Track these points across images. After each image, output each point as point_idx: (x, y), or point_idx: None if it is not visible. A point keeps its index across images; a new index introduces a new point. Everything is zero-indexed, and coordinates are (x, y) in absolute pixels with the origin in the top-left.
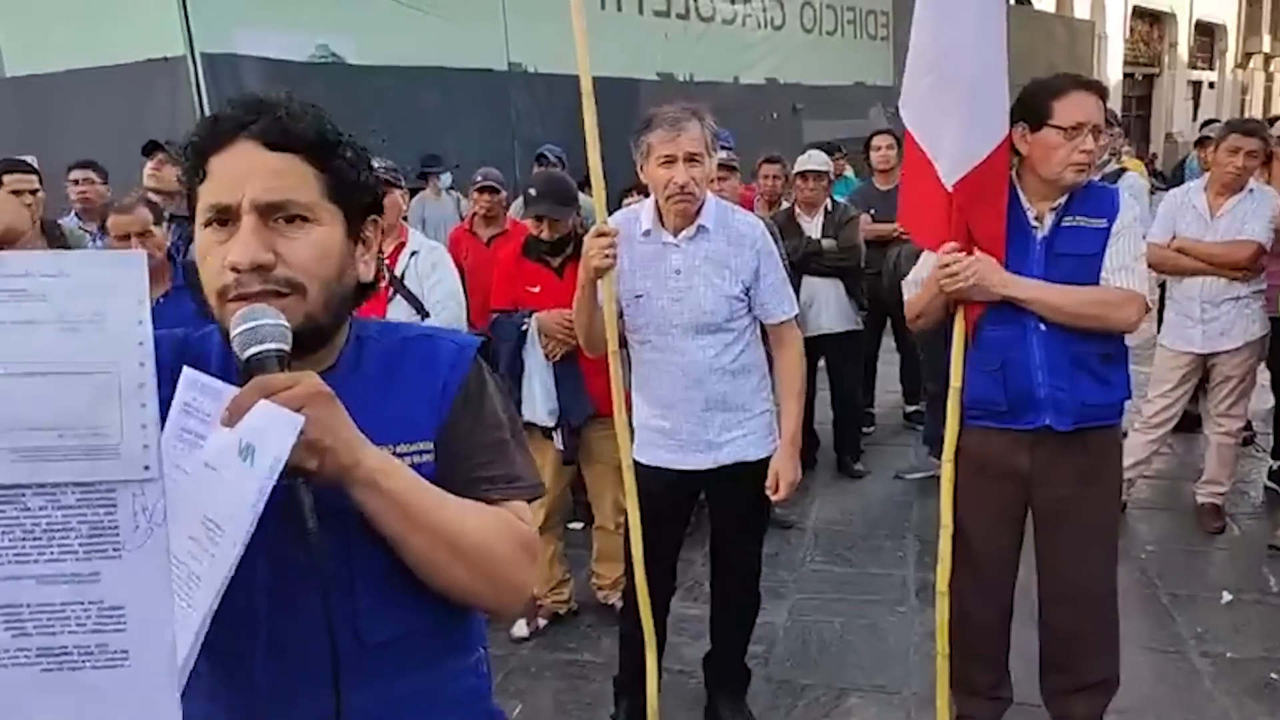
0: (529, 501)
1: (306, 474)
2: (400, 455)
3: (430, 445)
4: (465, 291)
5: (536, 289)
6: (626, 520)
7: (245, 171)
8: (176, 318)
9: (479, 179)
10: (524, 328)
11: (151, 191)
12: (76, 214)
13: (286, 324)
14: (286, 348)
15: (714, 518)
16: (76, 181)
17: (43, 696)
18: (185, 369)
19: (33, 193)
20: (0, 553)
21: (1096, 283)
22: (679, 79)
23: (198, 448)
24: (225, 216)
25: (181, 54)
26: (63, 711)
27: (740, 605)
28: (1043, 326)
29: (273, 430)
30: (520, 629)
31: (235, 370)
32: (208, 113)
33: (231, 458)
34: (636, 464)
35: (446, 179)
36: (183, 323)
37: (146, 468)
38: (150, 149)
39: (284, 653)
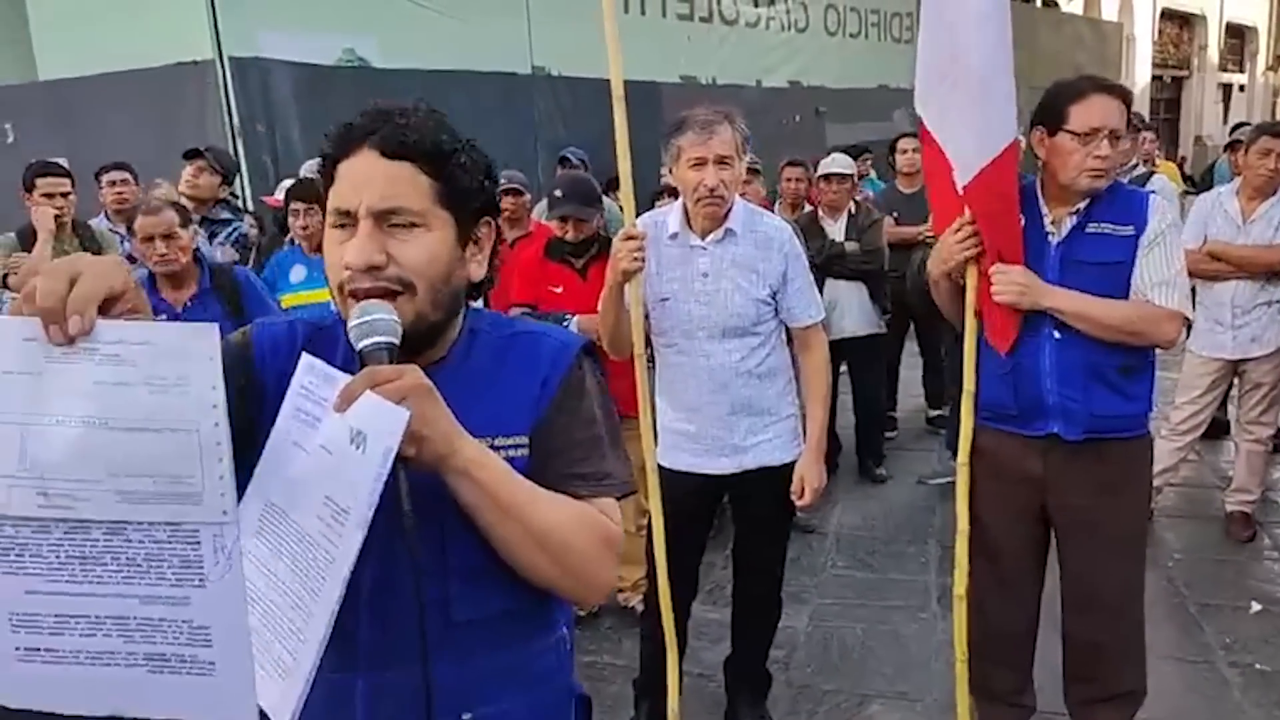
0: (619, 499)
1: (404, 460)
2: (497, 448)
3: (525, 440)
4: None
5: (559, 289)
6: (649, 523)
7: (364, 178)
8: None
9: (502, 181)
10: (565, 324)
11: (187, 198)
12: (107, 215)
13: (398, 319)
14: (396, 341)
15: (737, 522)
16: (114, 183)
17: (153, 691)
18: (304, 354)
19: (65, 195)
20: (111, 574)
21: (1122, 292)
22: (702, 82)
23: (313, 428)
24: (346, 220)
25: (210, 58)
26: (170, 702)
27: (762, 610)
28: (1057, 334)
29: (382, 421)
30: None
31: (355, 358)
32: (235, 115)
33: (344, 443)
34: (660, 468)
35: None
36: None
37: (224, 513)
38: (191, 155)
39: (383, 626)
